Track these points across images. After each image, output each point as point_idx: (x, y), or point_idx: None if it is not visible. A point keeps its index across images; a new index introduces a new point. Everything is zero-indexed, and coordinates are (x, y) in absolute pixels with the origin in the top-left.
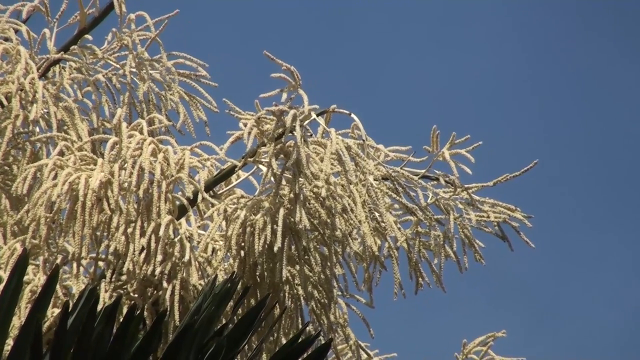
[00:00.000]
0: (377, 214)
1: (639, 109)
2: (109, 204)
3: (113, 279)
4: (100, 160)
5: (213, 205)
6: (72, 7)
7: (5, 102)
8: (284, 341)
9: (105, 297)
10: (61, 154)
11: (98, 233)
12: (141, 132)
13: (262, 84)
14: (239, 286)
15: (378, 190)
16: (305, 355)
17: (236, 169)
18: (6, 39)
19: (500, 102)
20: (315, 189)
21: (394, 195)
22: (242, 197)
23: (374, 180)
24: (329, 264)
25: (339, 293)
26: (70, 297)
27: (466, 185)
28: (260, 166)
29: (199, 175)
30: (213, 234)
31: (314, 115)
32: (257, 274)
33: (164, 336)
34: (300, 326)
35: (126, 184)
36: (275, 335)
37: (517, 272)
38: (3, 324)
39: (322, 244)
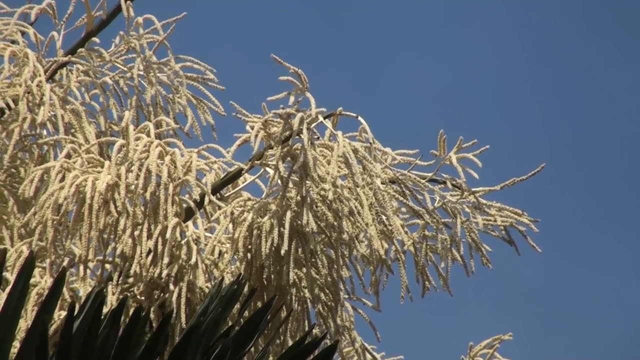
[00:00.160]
0: (384, 217)
1: None
2: (115, 207)
3: (120, 282)
4: (107, 163)
5: (220, 207)
6: (79, 9)
7: (12, 105)
8: (290, 344)
9: (112, 300)
10: (68, 156)
11: (105, 235)
12: (148, 135)
13: (268, 86)
14: (246, 289)
15: (385, 193)
16: (311, 357)
17: (243, 172)
18: (13, 42)
19: (502, 103)
20: (322, 192)
21: (401, 199)
22: (249, 199)
23: (381, 183)
24: (335, 266)
25: (346, 296)
26: (77, 300)
27: (473, 189)
28: (267, 169)
29: (206, 178)
30: (220, 237)
31: (321, 118)
32: (264, 276)
33: (171, 338)
34: (307, 329)
35: (133, 187)
36: (282, 337)
37: (524, 276)
38: (10, 326)
39: (329, 247)
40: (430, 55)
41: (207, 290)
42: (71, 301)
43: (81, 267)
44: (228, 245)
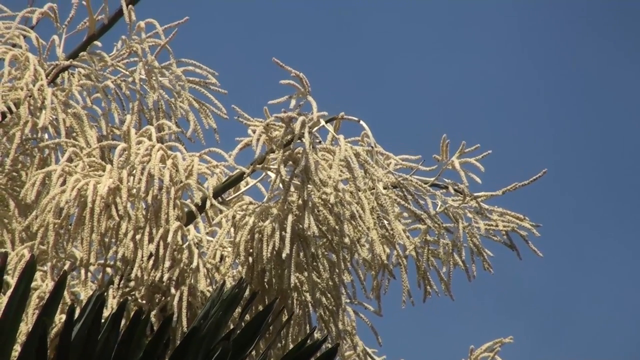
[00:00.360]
0: (385, 222)
1: None
2: (117, 210)
3: (121, 285)
4: (108, 167)
5: (221, 211)
6: (81, 13)
7: (14, 109)
8: (291, 347)
9: (113, 303)
10: (70, 160)
11: (106, 239)
12: (150, 139)
13: (270, 87)
14: (247, 292)
15: (387, 197)
16: None
17: (245, 176)
18: (15, 45)
19: (505, 105)
20: (323, 196)
21: (403, 203)
22: (251, 203)
23: (383, 187)
24: (337, 270)
25: (347, 300)
26: (78, 304)
27: (475, 194)
28: (269, 173)
29: (207, 182)
30: (221, 241)
31: (322, 122)
32: (266, 280)
33: (172, 342)
34: (308, 333)
35: (135, 190)
36: (284, 342)
37: (525, 280)
38: (11, 329)
39: (331, 251)
40: (433, 56)
41: (208, 294)
42: (71, 304)
43: (82, 271)
44: (229, 249)
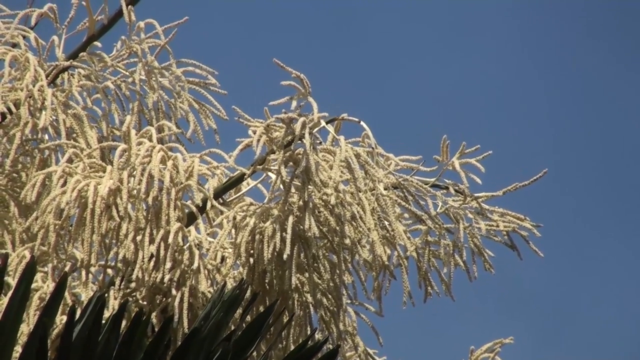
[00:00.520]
0: (386, 223)
1: None
2: (118, 211)
3: (122, 286)
4: (109, 168)
5: (222, 212)
6: (80, 14)
7: (14, 109)
8: (292, 348)
9: (114, 305)
10: (70, 161)
11: (107, 240)
12: (150, 140)
13: (271, 88)
14: (248, 293)
15: (387, 198)
16: None
17: (245, 177)
18: (15, 46)
19: (505, 107)
20: (324, 197)
21: (404, 204)
22: (252, 204)
23: (384, 188)
24: (338, 271)
25: (348, 301)
26: (79, 304)
27: (475, 194)
28: (270, 174)
29: (208, 183)
30: (222, 242)
31: (323, 123)
32: (266, 281)
33: (173, 343)
34: (309, 334)
35: (135, 191)
36: (285, 343)
37: (526, 280)
38: (11, 330)
39: (331, 252)
40: (433, 56)
41: (209, 295)
42: (71, 305)
43: (83, 272)
44: (230, 250)
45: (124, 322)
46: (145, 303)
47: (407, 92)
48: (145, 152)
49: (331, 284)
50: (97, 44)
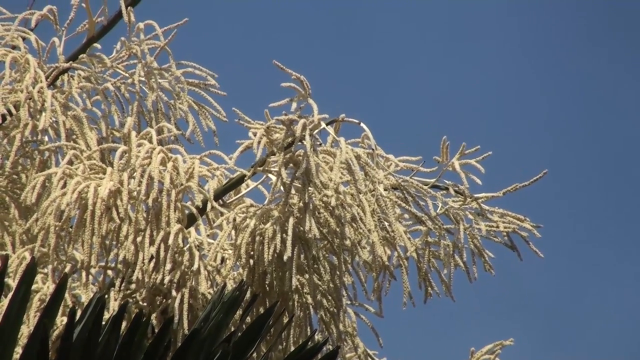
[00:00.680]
0: (386, 224)
1: None
2: (118, 213)
3: (122, 288)
4: (109, 169)
5: (222, 214)
6: (80, 15)
7: (14, 111)
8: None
9: (114, 306)
10: (70, 162)
11: (107, 242)
12: (150, 141)
13: (272, 90)
14: (248, 295)
15: (387, 199)
16: None
17: (245, 178)
18: (14, 48)
19: (505, 108)
20: (324, 198)
21: (404, 205)
22: (252, 206)
23: (384, 189)
24: (338, 272)
25: (348, 302)
26: (79, 306)
27: (475, 195)
28: (270, 175)
29: (208, 185)
30: (222, 243)
31: (323, 125)
32: (267, 282)
33: (173, 344)
34: (309, 335)
35: (135, 193)
36: (285, 344)
37: (526, 281)
38: (11, 332)
39: (332, 253)
40: (432, 57)
41: (209, 296)
42: (71, 307)
43: (83, 273)
44: (230, 251)
45: (124, 324)
46: (145, 304)
47: (407, 92)
48: (146, 153)
49: (331, 285)
50: (97, 45)
